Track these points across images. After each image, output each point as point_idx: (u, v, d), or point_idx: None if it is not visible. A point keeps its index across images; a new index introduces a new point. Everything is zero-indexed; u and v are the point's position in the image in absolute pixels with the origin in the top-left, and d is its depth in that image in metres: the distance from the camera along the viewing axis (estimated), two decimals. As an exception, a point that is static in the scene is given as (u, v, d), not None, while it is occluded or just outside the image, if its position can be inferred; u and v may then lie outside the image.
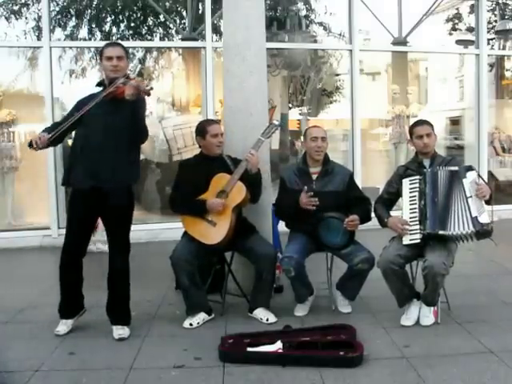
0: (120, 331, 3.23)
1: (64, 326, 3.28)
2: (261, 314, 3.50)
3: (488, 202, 3.23)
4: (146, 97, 3.09)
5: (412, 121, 7.72)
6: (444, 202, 3.23)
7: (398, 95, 8.07)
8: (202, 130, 3.59)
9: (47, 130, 3.14)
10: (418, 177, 3.33)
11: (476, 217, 3.15)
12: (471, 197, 3.18)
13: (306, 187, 3.49)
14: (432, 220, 3.22)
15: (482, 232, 3.18)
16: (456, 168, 3.29)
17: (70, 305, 3.34)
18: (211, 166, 3.55)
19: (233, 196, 3.44)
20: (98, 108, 3.07)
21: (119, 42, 4.42)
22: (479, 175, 3.27)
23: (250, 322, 3.44)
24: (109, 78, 3.18)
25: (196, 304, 3.47)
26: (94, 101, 3.07)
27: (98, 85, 3.28)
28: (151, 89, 3.02)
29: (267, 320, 3.46)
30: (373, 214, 3.60)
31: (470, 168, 3.30)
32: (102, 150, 3.10)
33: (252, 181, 3.50)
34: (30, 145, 3.07)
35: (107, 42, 3.63)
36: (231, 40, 3.93)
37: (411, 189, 3.34)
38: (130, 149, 3.20)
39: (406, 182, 3.38)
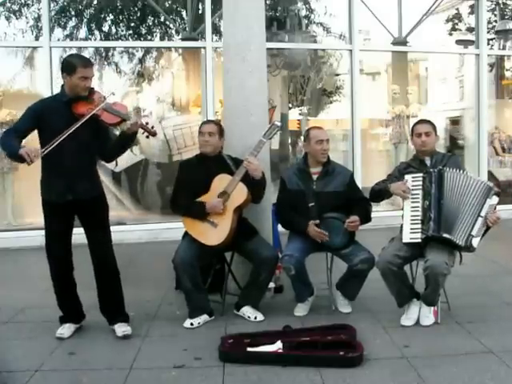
0: (123, 328, 3.23)
1: (67, 330, 3.26)
2: (249, 311, 3.51)
3: (486, 230, 3.24)
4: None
5: (412, 121, 7.77)
6: (453, 207, 3.19)
7: (398, 95, 8.07)
8: (199, 129, 3.65)
9: (9, 140, 2.98)
10: (421, 174, 3.30)
11: (472, 236, 3.16)
12: (482, 217, 3.16)
13: (318, 221, 3.43)
14: (437, 222, 3.19)
15: (465, 249, 3.23)
16: (491, 184, 3.24)
17: (71, 312, 3.33)
18: (211, 166, 3.54)
19: (234, 197, 3.43)
20: (68, 122, 2.97)
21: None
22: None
23: (250, 322, 3.44)
24: (75, 93, 3.07)
25: (198, 307, 3.47)
26: (84, 118, 2.98)
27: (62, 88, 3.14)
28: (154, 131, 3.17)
29: (255, 318, 3.47)
30: (373, 214, 3.59)
31: (497, 193, 3.25)
32: (78, 163, 3.09)
33: (257, 185, 3.48)
34: (23, 160, 2.84)
35: (82, 56, 3.33)
36: (231, 40, 3.93)
37: (414, 186, 3.30)
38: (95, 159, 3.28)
39: (408, 178, 3.33)
